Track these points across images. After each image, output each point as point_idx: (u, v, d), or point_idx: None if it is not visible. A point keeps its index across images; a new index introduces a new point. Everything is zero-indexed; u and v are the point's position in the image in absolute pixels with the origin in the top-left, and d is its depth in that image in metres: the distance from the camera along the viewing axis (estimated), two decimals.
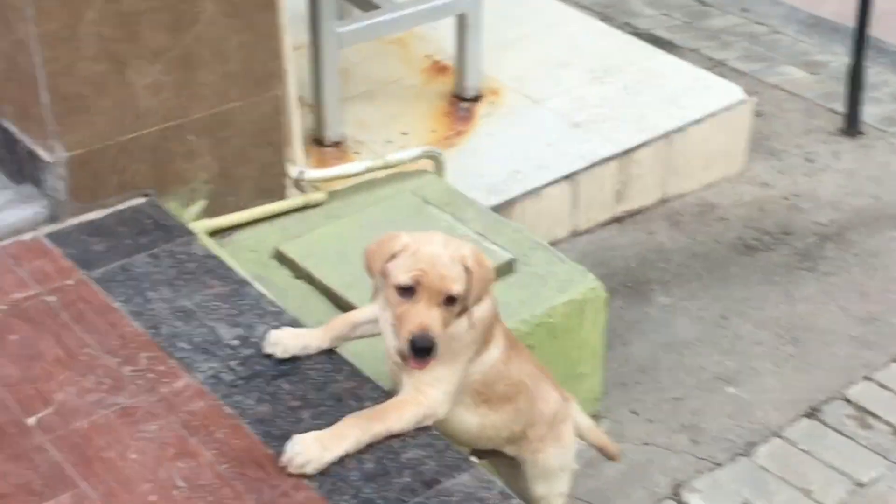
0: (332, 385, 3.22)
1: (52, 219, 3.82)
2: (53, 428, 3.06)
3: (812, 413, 4.46)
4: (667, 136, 5.45)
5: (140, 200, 3.93)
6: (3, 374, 3.23)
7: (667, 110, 5.57)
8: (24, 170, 3.90)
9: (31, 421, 3.09)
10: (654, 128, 5.45)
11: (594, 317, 4.07)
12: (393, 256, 2.94)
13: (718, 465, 4.23)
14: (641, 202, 5.54)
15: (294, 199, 4.27)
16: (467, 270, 2.95)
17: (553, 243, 5.23)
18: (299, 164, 4.31)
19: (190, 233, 3.82)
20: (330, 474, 2.93)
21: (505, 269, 4.01)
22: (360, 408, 3.10)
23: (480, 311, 3.08)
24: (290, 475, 2.92)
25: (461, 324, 3.05)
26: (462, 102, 5.58)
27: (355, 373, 3.26)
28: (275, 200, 4.24)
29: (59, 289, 3.54)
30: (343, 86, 5.58)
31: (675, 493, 4.11)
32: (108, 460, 2.96)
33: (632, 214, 5.53)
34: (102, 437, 3.03)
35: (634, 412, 4.43)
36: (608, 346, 4.69)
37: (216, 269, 3.66)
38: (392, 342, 3.04)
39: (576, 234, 5.35)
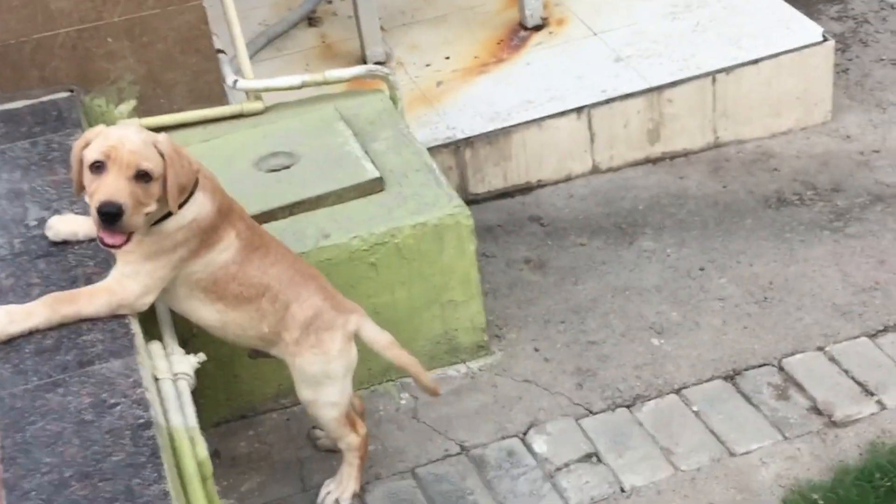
0: (78, 269, 3.43)
1: None
2: None
3: (732, 376, 4.12)
4: (709, 75, 5.11)
5: (62, 95, 4.28)
6: None
7: (724, 50, 5.21)
8: None
9: None
10: (697, 67, 5.13)
11: (458, 244, 3.98)
12: (88, 143, 3.13)
13: (591, 413, 4.02)
14: (684, 145, 5.24)
15: (229, 107, 4.47)
16: (161, 154, 3.09)
17: (568, 178, 5.14)
18: (242, 74, 4.48)
19: (80, 126, 4.12)
20: (11, 344, 3.17)
21: (372, 187, 4.03)
22: None
23: (194, 210, 3.22)
24: None
25: (172, 222, 3.20)
26: (522, 31, 5.52)
27: (104, 261, 3.45)
28: (212, 106, 4.46)
29: None
30: (422, 10, 5.71)
31: (524, 434, 3.96)
32: None
33: (672, 157, 5.25)
34: None
35: (538, 349, 4.28)
36: (559, 284, 4.58)
37: None
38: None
39: (597, 170, 5.16)
